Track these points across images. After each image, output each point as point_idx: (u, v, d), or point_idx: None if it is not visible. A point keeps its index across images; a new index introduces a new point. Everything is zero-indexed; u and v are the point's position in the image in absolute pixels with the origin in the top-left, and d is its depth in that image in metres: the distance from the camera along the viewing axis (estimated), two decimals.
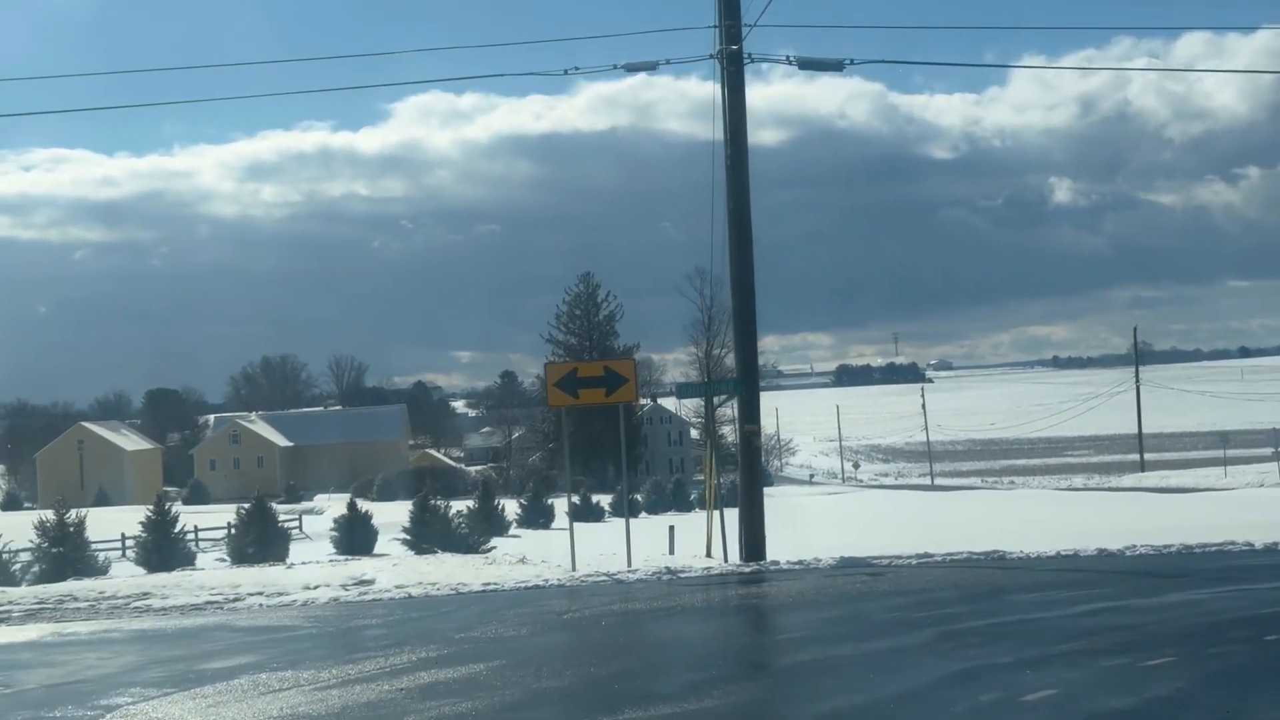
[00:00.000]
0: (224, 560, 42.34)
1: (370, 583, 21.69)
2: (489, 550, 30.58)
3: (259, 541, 42.86)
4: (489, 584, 19.56)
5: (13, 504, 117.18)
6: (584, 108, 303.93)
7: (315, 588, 21.01)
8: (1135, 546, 20.24)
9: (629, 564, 21.34)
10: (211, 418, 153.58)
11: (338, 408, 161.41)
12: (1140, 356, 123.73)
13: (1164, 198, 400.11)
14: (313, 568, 24.74)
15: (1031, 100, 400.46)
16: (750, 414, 21.48)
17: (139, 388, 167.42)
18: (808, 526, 36.45)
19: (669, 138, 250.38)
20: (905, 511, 53.16)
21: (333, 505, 75.55)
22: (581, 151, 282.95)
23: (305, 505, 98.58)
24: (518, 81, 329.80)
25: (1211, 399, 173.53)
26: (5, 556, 32.92)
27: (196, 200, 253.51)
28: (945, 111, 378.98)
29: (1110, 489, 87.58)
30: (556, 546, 26.82)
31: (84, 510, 40.15)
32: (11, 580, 29.05)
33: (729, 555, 22.04)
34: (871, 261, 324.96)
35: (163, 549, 42.42)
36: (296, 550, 44.59)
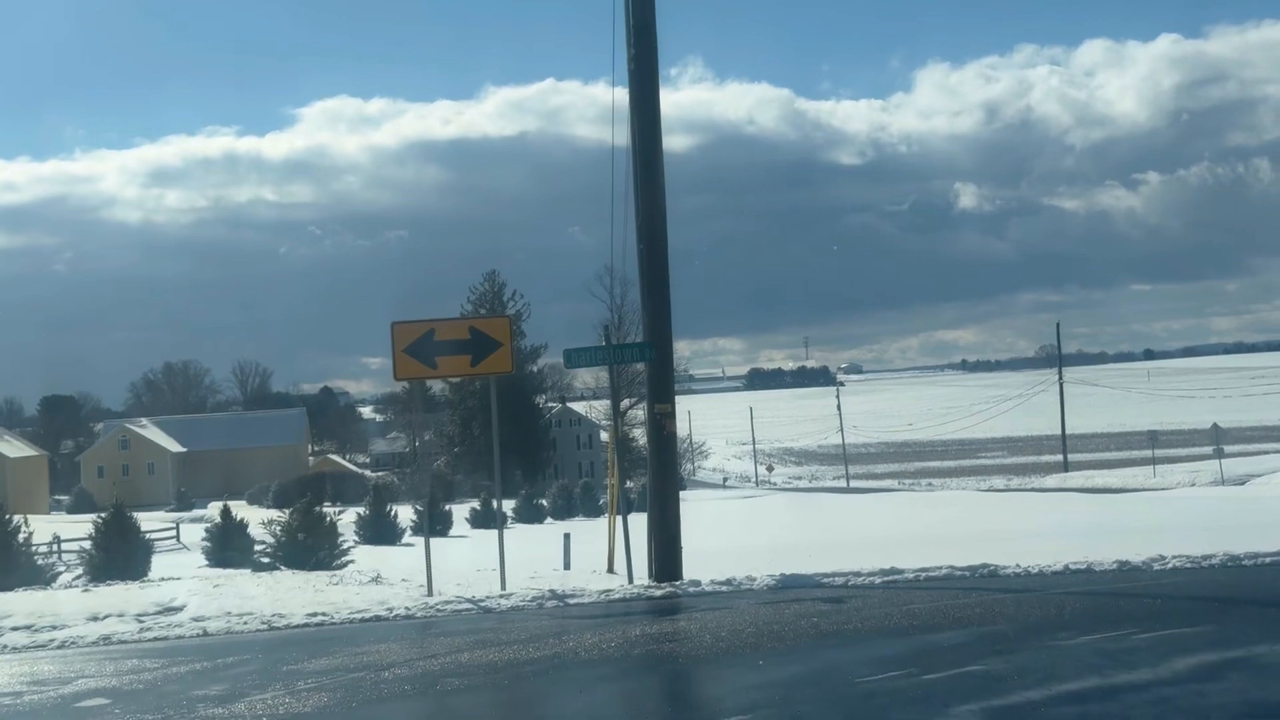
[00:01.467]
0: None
1: (176, 610, 17.05)
2: (343, 565, 25.65)
3: (118, 554, 38.23)
4: (316, 615, 14.79)
5: None
6: (493, 113, 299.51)
7: (101, 618, 16.27)
8: (1165, 558, 15.68)
9: (503, 586, 16.52)
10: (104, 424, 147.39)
11: (233, 412, 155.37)
12: (1049, 360, 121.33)
13: (1067, 203, 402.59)
14: (112, 592, 19.77)
15: (937, 106, 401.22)
16: (662, 390, 16.78)
17: (37, 394, 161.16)
18: (728, 534, 31.86)
19: (579, 143, 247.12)
20: (834, 516, 48.64)
21: (238, 514, 70.80)
22: (490, 157, 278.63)
23: (196, 513, 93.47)
24: (425, 86, 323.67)
25: (1116, 400, 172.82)
26: None
27: (100, 205, 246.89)
28: (852, 117, 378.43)
29: (1037, 490, 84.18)
30: (447, 557, 22.14)
31: None
32: None
33: (636, 573, 17.20)
34: (781, 266, 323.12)
35: (4, 564, 36.90)
36: (164, 563, 40.54)
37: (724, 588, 15.38)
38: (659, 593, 15.36)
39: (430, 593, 16.13)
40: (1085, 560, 15.92)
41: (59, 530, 54.57)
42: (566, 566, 22.19)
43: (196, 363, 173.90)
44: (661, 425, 16.89)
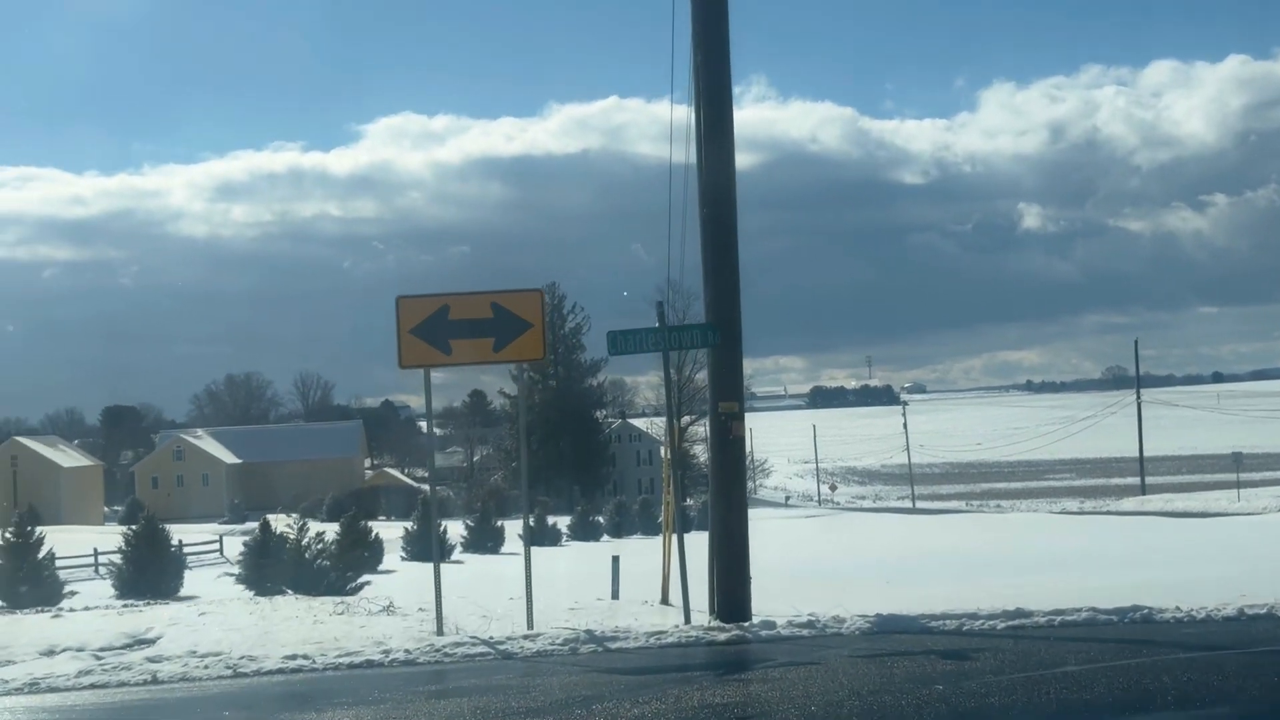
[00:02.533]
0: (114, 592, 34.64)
1: (148, 643, 14.35)
2: (358, 588, 22.70)
3: (148, 568, 35.84)
4: (295, 657, 11.88)
5: None
6: (556, 130, 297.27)
7: (57, 652, 13.56)
8: None
9: (529, 624, 13.45)
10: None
11: (290, 424, 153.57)
12: (1115, 381, 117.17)
13: (1132, 224, 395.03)
14: (89, 618, 17.01)
15: (1002, 126, 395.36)
16: (727, 385, 13.67)
17: (100, 405, 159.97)
18: (796, 555, 28.74)
19: (641, 160, 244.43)
20: (908, 536, 45.21)
21: (278, 527, 68.62)
22: (553, 173, 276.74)
23: (249, 525, 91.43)
24: (489, 104, 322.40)
25: (1187, 423, 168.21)
26: None
27: (166, 219, 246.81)
28: (916, 136, 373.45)
29: (1114, 513, 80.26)
30: (487, 578, 19.06)
31: None
32: None
33: (694, 605, 14.05)
34: (844, 285, 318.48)
35: (21, 579, 34.37)
36: (198, 579, 37.99)
37: (805, 631, 12.30)
38: (723, 637, 12.30)
39: (439, 630, 13.12)
40: (1262, 602, 12.66)
41: (100, 542, 52.26)
42: (615, 595, 19.18)
43: (259, 375, 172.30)
44: (727, 428, 13.78)
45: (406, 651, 11.83)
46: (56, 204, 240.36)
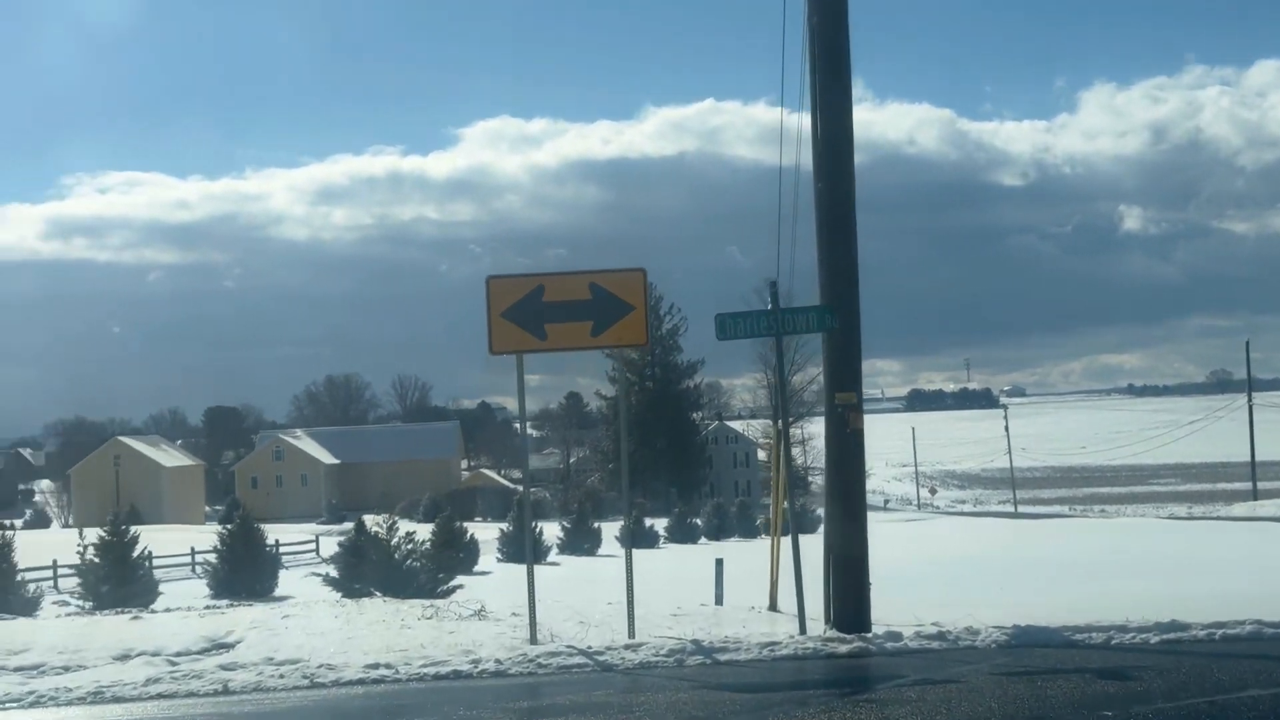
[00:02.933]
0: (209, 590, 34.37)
1: (226, 648, 13.50)
2: (449, 590, 21.79)
3: (243, 568, 35.34)
4: (377, 666, 10.95)
5: (40, 521, 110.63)
6: (652, 133, 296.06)
7: (132, 657, 12.78)
8: None
9: (630, 633, 12.36)
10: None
11: (388, 425, 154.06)
12: (1219, 385, 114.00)
13: (1237, 226, 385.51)
14: (168, 620, 16.25)
15: (1102, 127, 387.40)
16: (845, 373, 12.52)
17: (202, 406, 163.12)
18: (909, 564, 27.45)
19: (737, 163, 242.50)
20: (1019, 544, 43.64)
21: (373, 527, 68.39)
22: (649, 176, 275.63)
23: (346, 526, 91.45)
24: (586, 107, 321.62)
25: None
26: None
27: (269, 223, 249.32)
28: (1015, 138, 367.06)
29: (1225, 518, 77.64)
30: (581, 582, 18.00)
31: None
32: None
33: (808, 616, 12.92)
34: (941, 288, 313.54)
35: (115, 578, 34.03)
36: (292, 578, 37.77)
37: (935, 644, 11.14)
38: (844, 649, 11.16)
39: (533, 639, 12.10)
40: None
41: (199, 541, 52.14)
42: (719, 601, 18.12)
43: (358, 376, 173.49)
44: (844, 420, 12.63)
45: (497, 662, 10.84)
46: (162, 208, 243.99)
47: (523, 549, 50.04)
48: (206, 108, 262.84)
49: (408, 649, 11.86)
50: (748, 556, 24.21)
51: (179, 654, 13.17)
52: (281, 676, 10.83)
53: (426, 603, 17.19)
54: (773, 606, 15.51)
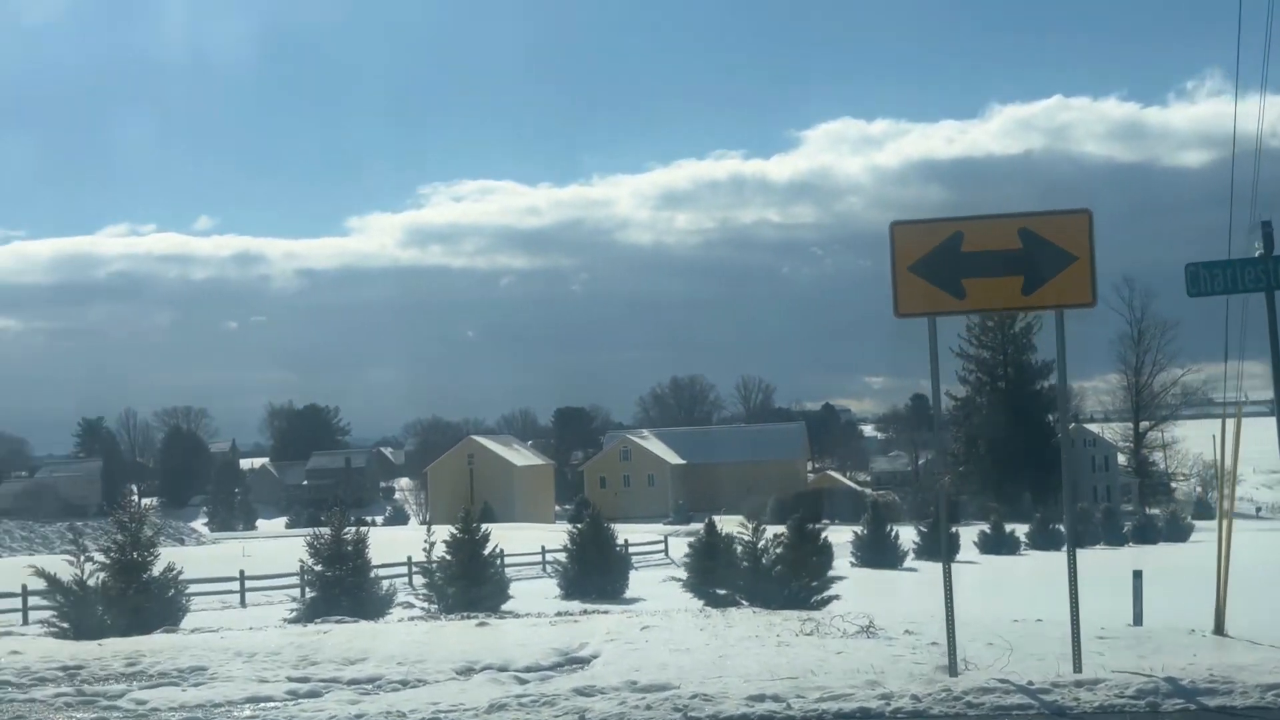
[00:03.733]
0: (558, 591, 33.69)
1: (581, 664, 11.94)
2: (824, 601, 19.59)
3: (593, 568, 34.80)
4: (762, 698, 9.05)
5: (399, 518, 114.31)
6: (997, 131, 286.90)
7: (476, 671, 11.38)
8: None
9: (1076, 664, 9.96)
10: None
11: (733, 425, 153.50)
12: None
13: None
14: (516, 627, 14.78)
15: None
16: None
17: (551, 407, 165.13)
18: None
19: (1086, 160, 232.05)
20: None
21: (723, 528, 67.42)
22: (994, 175, 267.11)
23: (693, 526, 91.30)
24: (929, 107, 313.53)
25: None
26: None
27: (614, 228, 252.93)
28: None
29: None
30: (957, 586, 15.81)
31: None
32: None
33: (1266, 640, 10.22)
34: None
35: (466, 576, 33.50)
36: (642, 579, 37.14)
37: None
38: None
39: (952, 670, 9.88)
40: None
41: (549, 540, 51.92)
42: (1137, 620, 15.54)
43: (702, 378, 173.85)
44: None
45: (914, 699, 8.76)
46: (513, 215, 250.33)
47: (879, 553, 47.90)
48: (555, 117, 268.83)
49: (796, 675, 9.89)
50: (1117, 566, 21.45)
51: (527, 669, 11.63)
52: (649, 708, 9.03)
53: (803, 615, 15.16)
54: (1219, 630, 12.88)
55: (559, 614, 17.40)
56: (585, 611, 18.83)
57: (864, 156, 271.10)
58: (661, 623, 14.45)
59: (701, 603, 20.92)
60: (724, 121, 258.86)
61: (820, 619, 14.50)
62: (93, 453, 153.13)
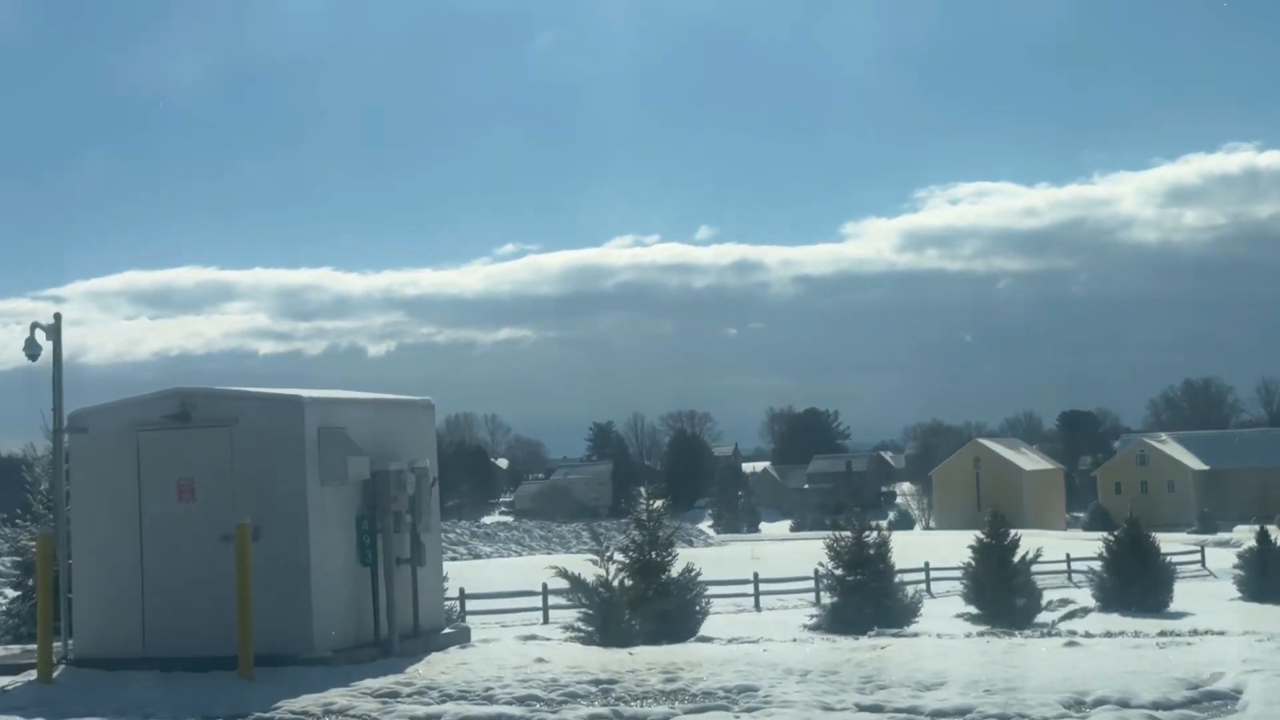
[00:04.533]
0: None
1: (1220, 700, 9.36)
2: None
3: (1131, 579, 33.35)
4: None
5: (903, 523, 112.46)
6: None
7: (1086, 707, 9.06)
8: None
9: None
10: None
11: (1255, 429, 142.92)
12: None
13: None
14: (1112, 649, 12.15)
15: None
16: None
17: (1053, 410, 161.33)
18: None
19: None
20: None
21: (1251, 538, 62.29)
22: None
23: (1221, 536, 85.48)
24: None
25: None
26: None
27: (1116, 227, 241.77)
28: None
29: None
30: None
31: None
32: None
33: None
34: None
35: (995, 583, 31.89)
36: (1187, 592, 35.76)
37: None
38: None
39: None
40: None
41: (1062, 548, 49.09)
42: None
43: (1218, 380, 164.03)
44: None
45: None
46: (1010, 216, 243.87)
47: None
48: (1053, 114, 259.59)
49: None
50: None
51: (1155, 705, 9.09)
52: None
53: None
54: None
55: (1164, 635, 14.41)
56: (1163, 632, 15.94)
57: None
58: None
59: None
60: (1240, 111, 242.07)
61: None
62: (603, 456, 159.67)
